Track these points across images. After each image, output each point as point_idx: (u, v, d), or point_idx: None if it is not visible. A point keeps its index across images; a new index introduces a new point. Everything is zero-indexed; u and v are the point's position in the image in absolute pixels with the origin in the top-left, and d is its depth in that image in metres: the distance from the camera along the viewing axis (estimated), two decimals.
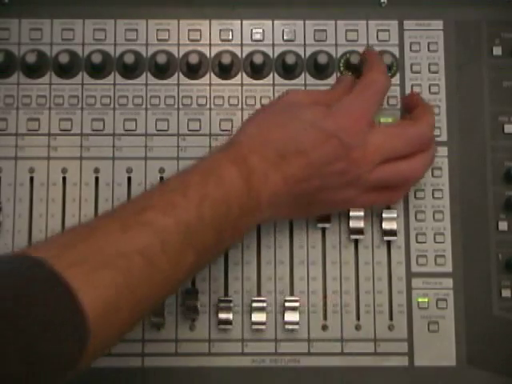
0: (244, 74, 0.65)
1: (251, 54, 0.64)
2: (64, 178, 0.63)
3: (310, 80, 0.65)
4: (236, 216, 0.53)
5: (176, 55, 0.65)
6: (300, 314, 0.61)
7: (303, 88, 0.64)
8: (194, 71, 0.64)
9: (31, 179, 0.63)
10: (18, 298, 0.43)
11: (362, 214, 0.62)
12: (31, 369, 0.42)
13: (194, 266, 0.52)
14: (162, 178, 0.63)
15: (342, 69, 0.65)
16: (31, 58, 0.63)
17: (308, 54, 0.65)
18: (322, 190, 0.57)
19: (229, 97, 0.64)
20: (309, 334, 0.61)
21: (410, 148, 0.59)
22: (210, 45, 0.65)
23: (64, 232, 0.50)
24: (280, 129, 0.56)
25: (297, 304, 0.61)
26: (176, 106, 0.64)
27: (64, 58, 0.63)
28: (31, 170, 0.63)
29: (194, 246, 0.51)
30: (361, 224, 0.62)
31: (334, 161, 0.56)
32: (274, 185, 0.55)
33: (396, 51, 0.65)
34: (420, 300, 0.62)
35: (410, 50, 0.65)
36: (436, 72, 0.65)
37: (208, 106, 0.64)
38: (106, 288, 0.46)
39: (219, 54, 0.64)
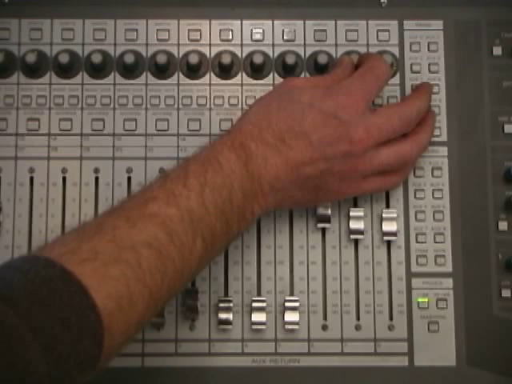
0: (244, 74, 0.65)
1: (251, 54, 0.64)
2: (64, 178, 0.63)
3: None
4: (239, 200, 0.54)
5: (176, 55, 0.65)
6: (300, 314, 0.61)
7: None
8: (194, 71, 0.64)
9: (31, 179, 0.63)
10: (32, 299, 0.43)
11: (361, 214, 0.62)
12: (53, 369, 0.42)
13: (204, 254, 0.53)
14: None
15: None
16: (31, 58, 0.63)
17: (308, 53, 0.65)
18: (328, 175, 0.57)
19: (229, 97, 0.64)
20: (309, 334, 0.61)
21: (407, 126, 0.59)
22: (210, 45, 0.65)
23: (70, 231, 0.50)
24: (278, 113, 0.56)
25: (297, 304, 0.61)
26: (176, 106, 0.64)
27: (64, 58, 0.63)
28: (31, 170, 0.63)
29: (201, 233, 0.52)
30: (361, 224, 0.62)
31: (335, 141, 0.56)
32: (274, 168, 0.55)
33: (396, 51, 0.65)
34: (420, 300, 0.62)
35: (410, 50, 0.65)
36: (436, 72, 0.65)
37: (208, 106, 0.64)
38: (116, 283, 0.46)
39: (219, 54, 0.64)
